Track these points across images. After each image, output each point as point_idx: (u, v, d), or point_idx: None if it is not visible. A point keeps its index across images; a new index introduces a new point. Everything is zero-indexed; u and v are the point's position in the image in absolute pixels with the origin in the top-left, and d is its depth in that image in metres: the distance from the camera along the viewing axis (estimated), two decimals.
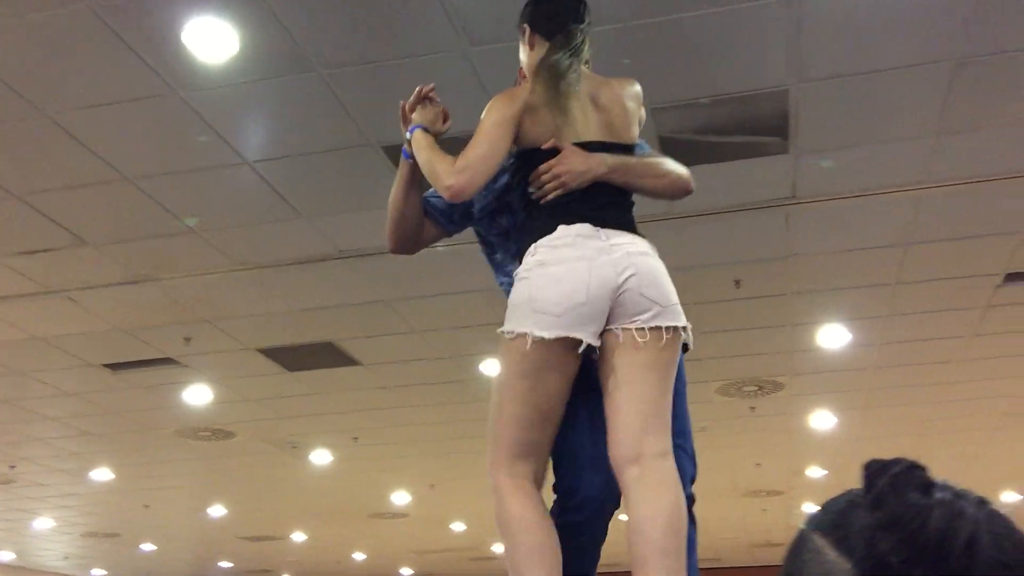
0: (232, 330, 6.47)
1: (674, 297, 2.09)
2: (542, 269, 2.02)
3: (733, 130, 4.36)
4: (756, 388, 7.72)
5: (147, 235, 5.17)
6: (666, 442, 2.02)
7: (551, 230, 2.06)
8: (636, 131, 2.27)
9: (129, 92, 4.00)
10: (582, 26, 2.24)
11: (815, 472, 10.41)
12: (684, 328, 2.09)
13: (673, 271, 5.93)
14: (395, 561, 16.46)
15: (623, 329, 2.01)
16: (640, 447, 1.97)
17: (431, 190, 2.32)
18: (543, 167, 2.10)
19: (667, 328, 2.04)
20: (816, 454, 9.68)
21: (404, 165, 2.32)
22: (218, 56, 3.78)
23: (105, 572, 17.29)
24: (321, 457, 9.57)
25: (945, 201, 4.86)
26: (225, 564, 16.73)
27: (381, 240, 5.50)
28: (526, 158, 2.16)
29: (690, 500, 2.18)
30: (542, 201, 2.10)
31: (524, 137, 2.15)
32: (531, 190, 2.13)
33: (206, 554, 15.78)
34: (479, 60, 3.82)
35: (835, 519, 0.63)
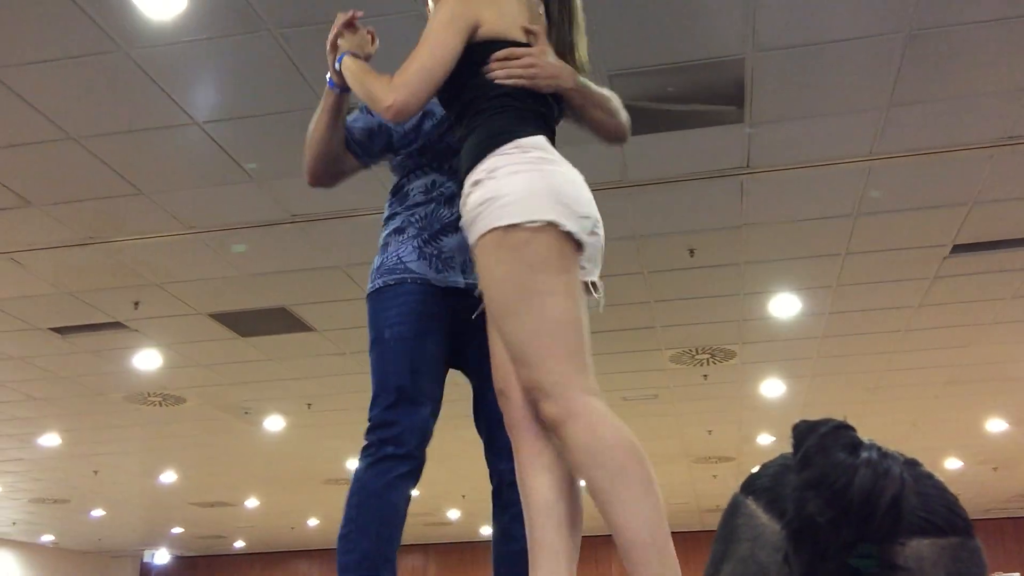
0: (182, 294, 6.38)
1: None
2: (552, 167, 1.80)
3: (689, 98, 4.36)
4: (708, 356, 7.80)
5: (93, 196, 5.06)
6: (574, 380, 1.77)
7: (533, 133, 1.85)
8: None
9: (75, 49, 3.89)
10: None
11: (765, 439, 10.58)
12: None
13: (627, 239, 5.94)
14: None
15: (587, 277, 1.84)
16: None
17: (351, 118, 2.32)
18: (517, 51, 1.90)
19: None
20: (766, 421, 9.84)
21: (329, 96, 2.20)
22: (166, 12, 3.68)
23: (54, 538, 17.10)
24: (274, 423, 9.51)
25: (895, 172, 4.93)
26: (177, 530, 16.63)
27: (335, 205, 5.45)
28: (484, 51, 1.92)
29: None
30: (498, 81, 1.89)
31: (483, 31, 1.92)
32: (489, 70, 1.90)
33: (157, 520, 15.67)
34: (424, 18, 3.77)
35: (767, 482, 0.63)
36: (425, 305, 2.20)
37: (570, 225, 1.73)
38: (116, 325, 6.88)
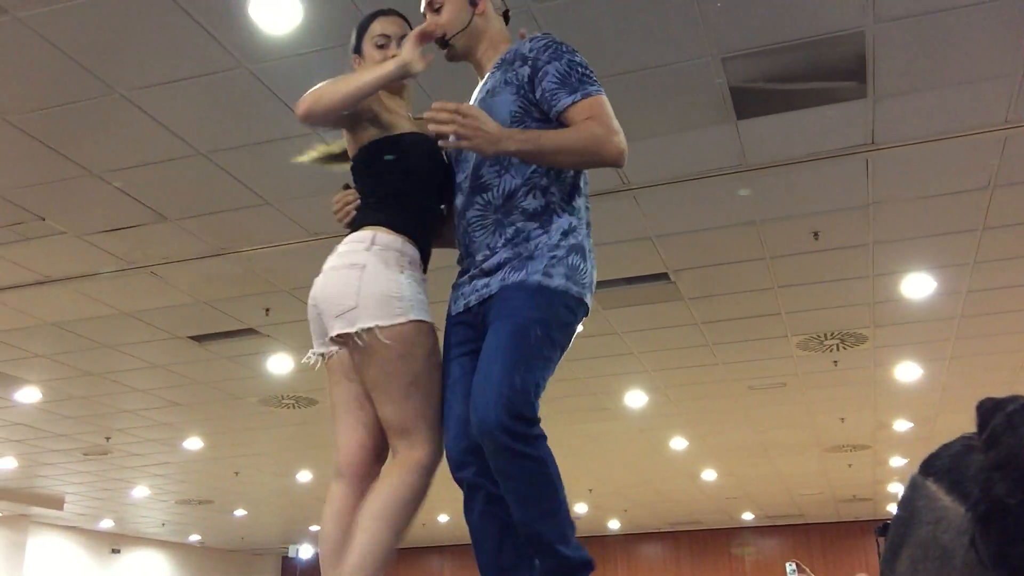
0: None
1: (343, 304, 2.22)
2: None
3: (807, 76, 4.23)
4: (838, 341, 7.56)
5: (223, 208, 5.27)
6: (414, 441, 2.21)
7: None
8: None
9: (198, 67, 4.05)
10: None
11: (902, 425, 10.19)
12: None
13: (748, 225, 5.80)
14: (603, 515, 16.42)
15: None
16: None
17: None
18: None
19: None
20: (902, 406, 9.47)
21: (397, 79, 2.27)
22: (283, 27, 3.80)
23: (200, 537, 17.90)
24: None
25: None
26: (315, 527, 17.17)
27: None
28: None
29: None
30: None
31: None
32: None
33: (296, 518, 16.22)
34: (543, 16, 3.77)
35: (948, 463, 0.59)
36: None
37: None
38: (249, 331, 7.15)
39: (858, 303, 6.78)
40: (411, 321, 2.16)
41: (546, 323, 2.08)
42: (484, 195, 2.21)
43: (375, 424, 2.23)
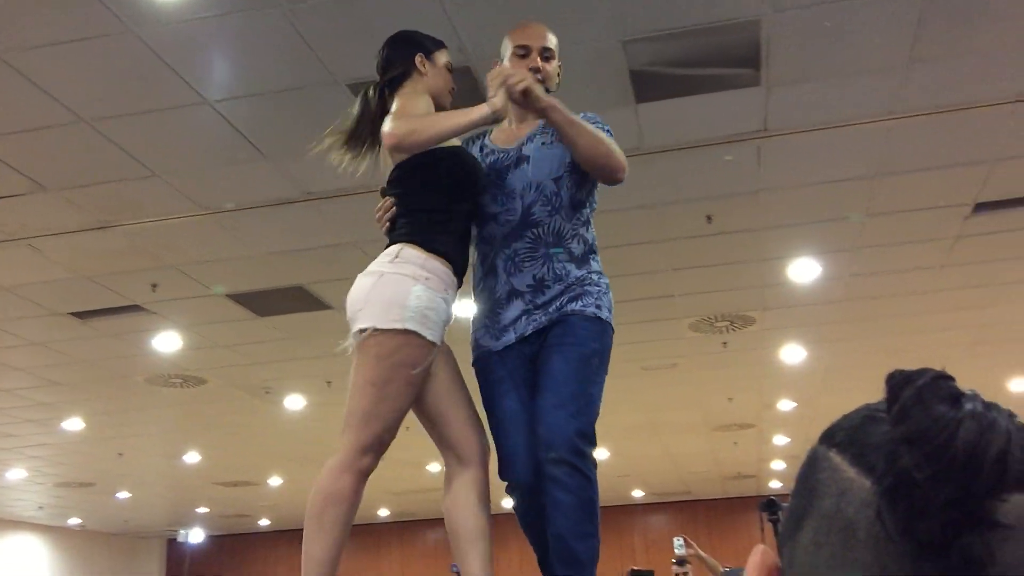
0: (199, 275, 6.38)
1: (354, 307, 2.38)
2: None
3: (704, 62, 4.30)
4: (728, 323, 7.76)
5: (107, 179, 5.05)
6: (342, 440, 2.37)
7: None
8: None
9: (82, 30, 3.86)
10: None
11: (785, 405, 10.55)
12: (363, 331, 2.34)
13: (643, 208, 5.88)
14: (373, 503, 16.61)
15: None
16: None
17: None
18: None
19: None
20: (787, 387, 9.80)
21: (488, 118, 2.40)
22: None
23: (81, 521, 17.30)
24: (295, 402, 9.55)
25: (916, 131, 4.85)
26: (202, 510, 16.79)
27: (348, 182, 5.40)
28: None
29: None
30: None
31: None
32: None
33: (183, 500, 15.82)
34: (451, 1, 3.72)
35: (851, 435, 0.58)
36: None
37: None
38: (135, 308, 6.90)
39: (748, 286, 6.97)
40: (406, 330, 2.27)
41: (602, 354, 2.42)
42: (535, 230, 2.48)
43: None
